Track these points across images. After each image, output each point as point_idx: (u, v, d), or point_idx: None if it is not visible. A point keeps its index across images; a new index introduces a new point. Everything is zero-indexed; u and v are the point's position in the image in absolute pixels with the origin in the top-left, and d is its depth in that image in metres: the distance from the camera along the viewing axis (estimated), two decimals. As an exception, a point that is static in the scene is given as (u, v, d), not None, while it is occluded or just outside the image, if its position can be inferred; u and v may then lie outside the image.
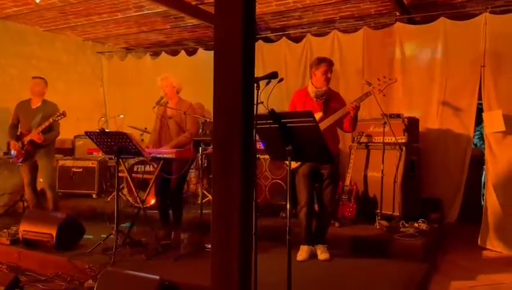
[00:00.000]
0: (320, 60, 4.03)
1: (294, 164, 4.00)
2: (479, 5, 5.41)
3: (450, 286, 3.67)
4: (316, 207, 4.17)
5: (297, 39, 6.52)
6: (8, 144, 5.70)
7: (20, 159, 5.09)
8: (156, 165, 4.52)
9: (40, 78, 5.28)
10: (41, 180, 5.35)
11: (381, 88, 3.87)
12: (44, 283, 3.66)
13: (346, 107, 3.85)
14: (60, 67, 7.42)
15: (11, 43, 6.78)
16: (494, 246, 4.64)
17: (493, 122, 4.74)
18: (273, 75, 2.72)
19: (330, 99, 4.02)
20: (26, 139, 5.02)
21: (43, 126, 4.94)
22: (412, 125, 5.01)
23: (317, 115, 3.71)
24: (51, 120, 4.93)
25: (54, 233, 4.13)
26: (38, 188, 5.41)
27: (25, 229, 4.29)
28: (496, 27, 4.90)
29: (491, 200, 4.75)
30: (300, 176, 4.02)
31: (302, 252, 3.98)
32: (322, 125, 3.67)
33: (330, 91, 4.07)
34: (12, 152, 5.16)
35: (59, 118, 4.95)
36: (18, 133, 5.17)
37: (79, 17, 6.50)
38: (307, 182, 4.00)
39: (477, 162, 5.66)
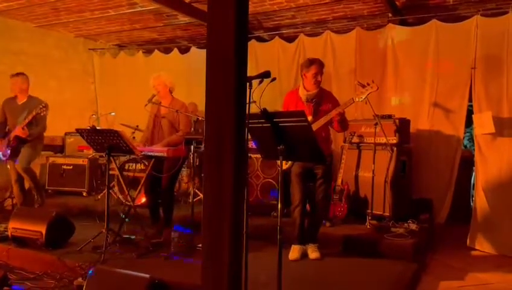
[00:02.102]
0: (311, 62, 4.00)
1: (285, 165, 4.01)
2: (471, 7, 5.46)
3: (438, 286, 3.70)
4: (308, 207, 4.18)
5: (290, 39, 6.53)
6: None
7: (7, 157, 5.03)
8: (147, 164, 4.50)
9: (18, 74, 5.19)
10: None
11: (363, 96, 3.89)
12: (33, 280, 3.63)
13: (331, 112, 3.86)
14: (51, 64, 7.35)
15: (1, 39, 6.70)
16: (482, 247, 4.69)
17: (483, 124, 4.79)
18: (265, 75, 2.72)
19: (321, 101, 4.02)
20: (12, 135, 4.98)
21: (27, 120, 4.90)
22: (403, 126, 5.04)
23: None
24: (33, 113, 4.86)
25: (44, 231, 4.09)
26: (26, 186, 5.36)
27: (14, 226, 4.25)
28: (487, 30, 4.95)
29: (480, 201, 4.80)
30: (294, 176, 4.03)
31: (294, 252, 3.99)
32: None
33: (322, 92, 4.07)
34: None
35: (42, 110, 4.86)
36: (6, 130, 5.12)
37: (71, 14, 6.45)
38: (300, 181, 4.01)
39: (467, 163, 5.72)
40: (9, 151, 5.03)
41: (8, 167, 5.24)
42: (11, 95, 5.28)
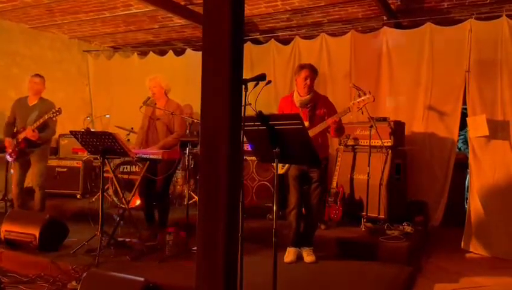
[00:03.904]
0: (301, 67, 4.00)
1: (281, 169, 4.01)
2: (464, 11, 5.50)
3: (433, 289, 3.71)
4: (303, 210, 4.18)
5: (285, 41, 6.54)
6: (1, 141, 5.57)
7: (14, 157, 4.99)
8: (142, 166, 4.49)
9: (39, 76, 5.14)
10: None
11: (360, 106, 3.90)
12: (27, 284, 3.59)
13: (327, 120, 3.86)
14: (45, 65, 7.31)
15: (-4, 40, 6.67)
16: (477, 249, 4.71)
17: (477, 127, 4.81)
18: (261, 77, 2.72)
19: (317, 105, 4.01)
20: (21, 136, 4.91)
21: (38, 123, 4.84)
22: (397, 128, 5.06)
23: None
24: (45, 117, 4.81)
25: (37, 233, 4.06)
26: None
27: (7, 229, 4.22)
28: (480, 33, 4.98)
29: (474, 204, 4.81)
30: (290, 179, 4.03)
31: (289, 254, 3.99)
32: None
33: (316, 96, 4.05)
34: (7, 150, 5.03)
35: (54, 115, 4.82)
36: (14, 131, 5.08)
37: (65, 15, 6.43)
38: (297, 184, 4.01)
39: (461, 166, 5.74)
40: (16, 153, 4.97)
41: (12, 168, 5.19)
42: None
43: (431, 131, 5.40)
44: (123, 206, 4.76)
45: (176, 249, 4.10)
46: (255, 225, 4.71)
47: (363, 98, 3.91)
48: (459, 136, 5.58)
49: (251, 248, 4.01)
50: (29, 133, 4.85)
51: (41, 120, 4.84)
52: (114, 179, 5.21)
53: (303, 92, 3.98)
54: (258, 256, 3.92)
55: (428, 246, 4.88)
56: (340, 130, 3.93)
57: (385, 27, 5.73)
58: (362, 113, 4.21)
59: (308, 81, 3.94)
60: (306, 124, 3.86)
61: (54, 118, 4.91)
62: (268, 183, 5.37)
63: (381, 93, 5.71)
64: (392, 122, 5.00)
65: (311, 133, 3.79)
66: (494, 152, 4.78)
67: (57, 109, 4.82)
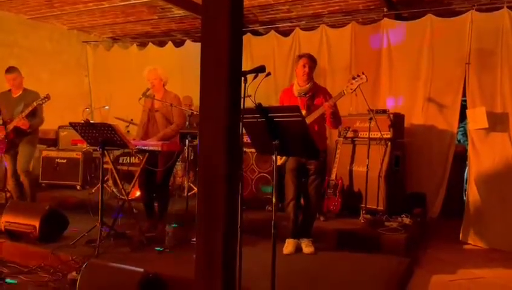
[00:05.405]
0: (300, 56, 4.06)
1: (280, 160, 4.02)
2: (465, 2, 5.47)
3: (431, 280, 3.73)
4: (302, 201, 4.19)
5: (285, 33, 6.51)
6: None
7: (4, 149, 5.00)
8: (141, 157, 4.49)
9: (10, 71, 5.11)
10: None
11: (353, 88, 3.90)
12: (27, 274, 3.61)
13: (323, 105, 3.86)
14: (44, 57, 7.29)
15: (-6, 31, 6.64)
16: (475, 241, 4.73)
17: (477, 119, 4.82)
18: (260, 69, 2.71)
19: (315, 95, 4.01)
20: (10, 126, 4.93)
21: (27, 111, 4.87)
22: (397, 121, 5.06)
23: None
24: (34, 104, 4.85)
25: (37, 224, 4.07)
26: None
27: (8, 220, 4.23)
28: (481, 25, 4.96)
29: (472, 196, 4.83)
30: (288, 171, 4.04)
31: (288, 245, 4.01)
32: None
33: (315, 87, 4.06)
34: None
35: (43, 101, 4.85)
36: (0, 123, 5.09)
37: (64, 6, 6.39)
38: (294, 176, 4.02)
39: (461, 158, 5.75)
40: (6, 145, 4.98)
41: (5, 160, 5.21)
42: (7, 87, 5.24)
43: (430, 123, 5.40)
44: (123, 197, 4.76)
45: (176, 240, 4.12)
46: (255, 216, 4.73)
47: (356, 79, 3.92)
48: (458, 128, 5.58)
49: (250, 239, 4.03)
50: (19, 122, 4.87)
51: (30, 108, 4.87)
52: (113, 170, 5.21)
53: (302, 81, 3.99)
54: (258, 247, 3.94)
55: (427, 238, 4.90)
56: (336, 117, 3.93)
57: (385, 18, 5.71)
58: (356, 95, 4.19)
59: (306, 69, 3.95)
60: (303, 112, 3.86)
61: (43, 105, 4.95)
62: (268, 175, 5.38)
63: (381, 84, 5.70)
64: (391, 115, 5.00)
65: (308, 120, 3.80)
66: (493, 144, 4.78)
67: (45, 96, 4.85)
